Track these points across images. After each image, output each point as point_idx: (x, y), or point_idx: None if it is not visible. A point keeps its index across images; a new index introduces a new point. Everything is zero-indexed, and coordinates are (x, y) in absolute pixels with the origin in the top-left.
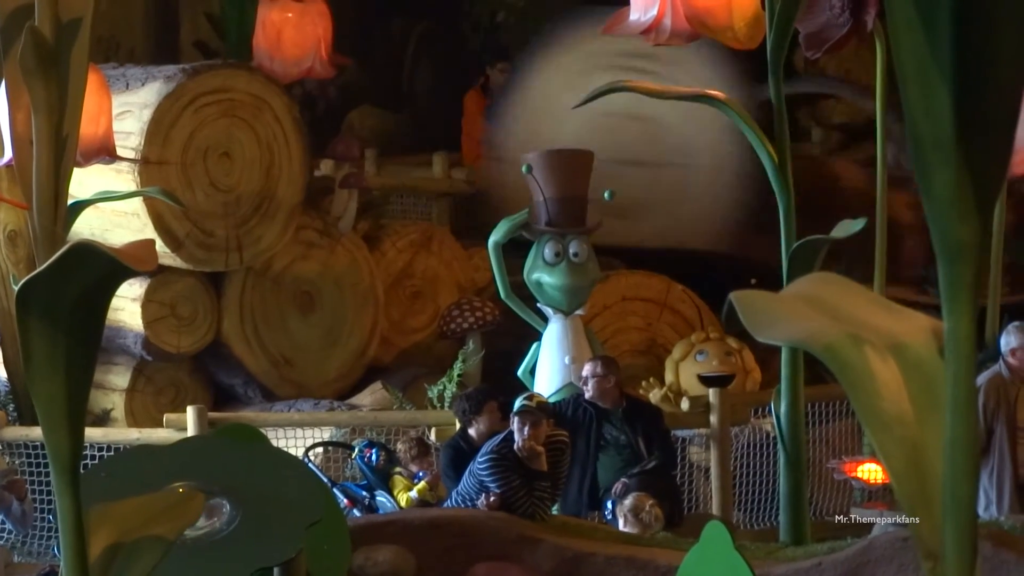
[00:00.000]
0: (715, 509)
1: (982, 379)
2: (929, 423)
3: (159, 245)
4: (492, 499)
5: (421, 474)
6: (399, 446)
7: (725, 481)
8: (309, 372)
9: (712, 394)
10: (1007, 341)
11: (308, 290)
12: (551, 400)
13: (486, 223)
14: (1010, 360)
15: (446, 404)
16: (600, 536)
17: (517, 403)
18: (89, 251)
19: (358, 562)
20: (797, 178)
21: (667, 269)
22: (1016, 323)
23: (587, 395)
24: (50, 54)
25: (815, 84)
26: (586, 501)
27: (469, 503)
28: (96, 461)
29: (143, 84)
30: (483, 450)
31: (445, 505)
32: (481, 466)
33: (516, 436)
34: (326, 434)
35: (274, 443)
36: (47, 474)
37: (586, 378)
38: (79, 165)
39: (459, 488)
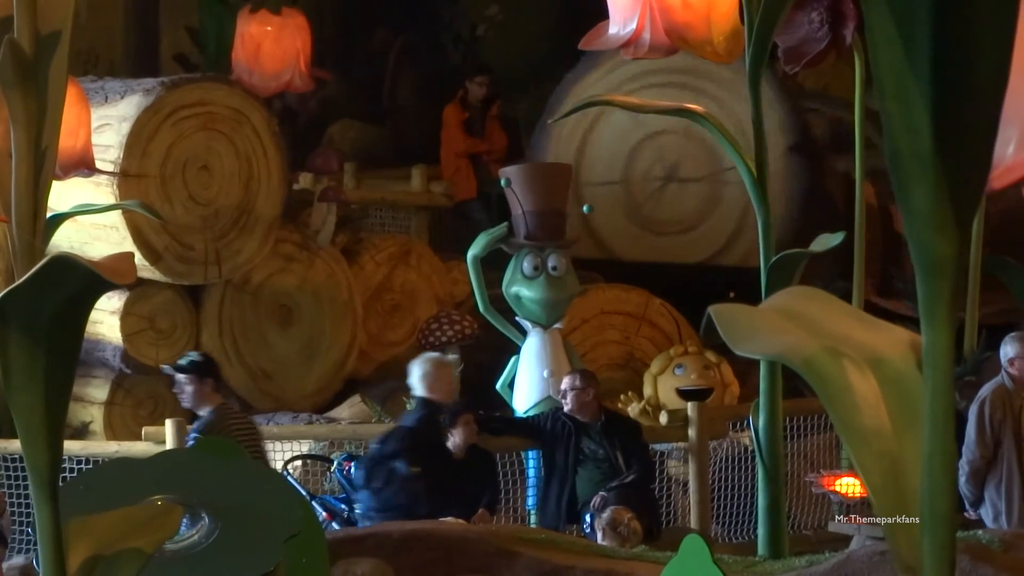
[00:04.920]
0: (693, 523)
1: (987, 390)
2: (907, 437)
3: (138, 258)
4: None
5: None
6: None
7: (703, 495)
8: (288, 385)
9: (690, 408)
10: (1005, 352)
11: (287, 303)
12: (530, 414)
13: None
14: (1011, 371)
15: None
16: (579, 549)
17: None
18: (68, 264)
19: (337, 575)
20: None
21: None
22: (1014, 333)
23: (566, 409)
24: (29, 67)
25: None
26: (564, 514)
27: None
28: (75, 474)
29: (122, 97)
30: None
31: None
32: None
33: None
34: (305, 447)
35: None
36: (26, 487)
37: (565, 392)
38: (58, 178)
39: None
